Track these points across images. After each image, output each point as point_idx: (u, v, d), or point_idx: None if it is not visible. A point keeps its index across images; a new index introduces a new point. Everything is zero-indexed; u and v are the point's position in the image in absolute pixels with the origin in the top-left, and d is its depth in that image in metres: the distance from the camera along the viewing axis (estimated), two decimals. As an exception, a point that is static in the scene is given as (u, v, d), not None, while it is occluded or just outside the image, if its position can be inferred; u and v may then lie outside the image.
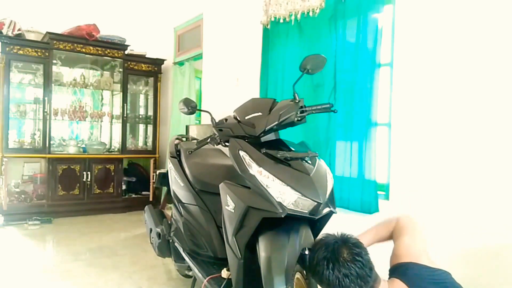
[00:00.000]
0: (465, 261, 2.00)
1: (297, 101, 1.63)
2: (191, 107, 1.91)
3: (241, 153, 1.58)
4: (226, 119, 1.79)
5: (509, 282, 1.85)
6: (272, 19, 3.07)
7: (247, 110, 1.71)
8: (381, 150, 2.44)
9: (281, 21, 3.00)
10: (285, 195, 1.43)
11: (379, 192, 2.43)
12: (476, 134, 1.97)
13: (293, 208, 1.43)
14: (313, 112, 1.67)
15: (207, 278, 1.86)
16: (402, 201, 2.31)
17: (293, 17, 2.89)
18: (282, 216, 1.40)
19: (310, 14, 2.75)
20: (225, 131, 1.74)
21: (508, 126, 1.87)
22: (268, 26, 3.13)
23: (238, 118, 1.71)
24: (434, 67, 2.16)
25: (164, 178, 2.62)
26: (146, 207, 2.64)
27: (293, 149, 1.61)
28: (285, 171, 1.47)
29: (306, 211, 1.44)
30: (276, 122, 1.58)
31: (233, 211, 1.56)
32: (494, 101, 1.92)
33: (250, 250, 1.57)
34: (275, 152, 1.53)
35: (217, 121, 1.83)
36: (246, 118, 1.66)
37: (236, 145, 1.63)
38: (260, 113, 1.64)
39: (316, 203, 1.43)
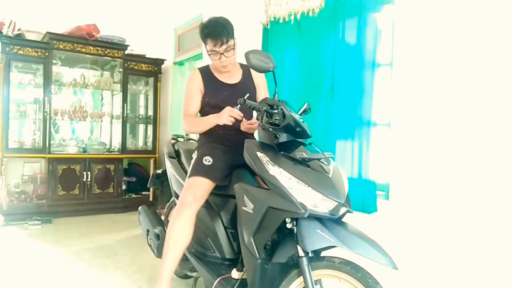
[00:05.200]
0: (464, 260, 2.00)
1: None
2: (271, 68, 1.61)
3: (259, 154, 1.59)
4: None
5: (507, 282, 1.85)
6: (272, 19, 3.07)
7: (292, 109, 1.68)
8: (381, 150, 2.45)
9: (281, 21, 3.00)
10: (306, 196, 1.44)
11: (379, 192, 2.43)
12: (476, 133, 1.98)
13: (314, 209, 1.44)
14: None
15: (218, 279, 1.86)
16: (401, 201, 2.31)
17: (292, 17, 2.89)
18: (305, 216, 1.42)
19: (310, 14, 2.76)
20: (289, 117, 1.57)
21: (508, 126, 1.87)
22: (268, 26, 3.13)
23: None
24: (434, 67, 2.16)
25: (157, 179, 2.61)
26: (140, 208, 2.60)
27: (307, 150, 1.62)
28: (305, 172, 1.49)
29: (327, 211, 1.46)
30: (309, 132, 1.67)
31: (251, 211, 1.58)
32: (493, 100, 1.92)
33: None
34: (293, 153, 1.54)
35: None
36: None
37: (252, 146, 1.63)
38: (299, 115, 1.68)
39: (337, 203, 1.45)
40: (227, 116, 1.79)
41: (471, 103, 2.00)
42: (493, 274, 1.90)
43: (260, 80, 2.19)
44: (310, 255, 1.49)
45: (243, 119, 1.85)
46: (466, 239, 2.00)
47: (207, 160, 1.96)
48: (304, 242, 1.43)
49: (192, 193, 1.90)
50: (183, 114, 2.12)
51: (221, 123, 1.82)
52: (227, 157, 1.98)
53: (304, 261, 1.47)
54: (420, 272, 2.17)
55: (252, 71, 2.13)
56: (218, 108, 1.97)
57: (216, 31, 1.90)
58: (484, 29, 1.95)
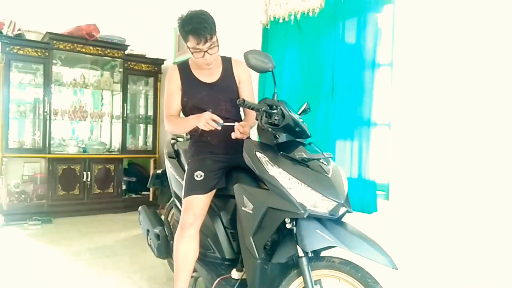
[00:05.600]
0: (464, 260, 2.00)
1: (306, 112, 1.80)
2: (270, 68, 1.61)
3: (258, 154, 1.59)
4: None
5: (507, 282, 1.85)
6: (272, 19, 3.07)
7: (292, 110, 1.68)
8: (381, 150, 2.45)
9: (281, 21, 3.00)
10: (306, 196, 1.44)
11: (379, 192, 2.43)
12: (476, 133, 1.98)
13: (313, 209, 1.44)
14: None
15: (218, 279, 1.87)
16: (401, 201, 2.31)
17: (292, 17, 2.89)
18: (304, 216, 1.43)
19: (310, 14, 2.76)
20: (289, 117, 1.57)
21: (508, 125, 1.87)
22: (268, 26, 3.13)
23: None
24: (434, 67, 2.16)
25: (157, 179, 2.61)
26: (140, 207, 2.59)
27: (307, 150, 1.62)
28: (304, 172, 1.49)
29: (326, 211, 1.46)
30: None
31: (251, 212, 1.58)
32: (493, 100, 1.92)
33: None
34: (292, 154, 1.54)
35: None
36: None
37: (252, 146, 1.63)
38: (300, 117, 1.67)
39: (336, 203, 1.45)
40: (204, 121, 1.73)
41: (471, 103, 2.00)
42: (493, 274, 1.90)
43: (243, 76, 2.06)
44: (309, 255, 1.49)
45: (236, 124, 1.76)
46: (466, 239, 2.00)
47: (199, 175, 1.91)
48: (304, 242, 1.43)
49: (192, 213, 1.88)
50: (165, 114, 2.04)
51: (199, 126, 1.77)
52: (218, 165, 1.96)
53: (304, 261, 1.47)
54: (420, 272, 2.17)
55: (234, 65, 2.05)
56: (196, 109, 1.94)
57: (199, 27, 1.75)
58: (484, 29, 1.95)
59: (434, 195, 2.14)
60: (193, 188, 1.91)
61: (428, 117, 2.17)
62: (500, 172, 1.89)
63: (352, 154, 2.50)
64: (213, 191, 1.94)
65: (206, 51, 1.82)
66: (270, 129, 1.60)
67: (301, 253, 1.47)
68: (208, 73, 2.00)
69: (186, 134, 2.53)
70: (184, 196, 1.94)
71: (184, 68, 2.03)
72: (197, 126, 1.82)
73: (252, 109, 1.65)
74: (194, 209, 1.88)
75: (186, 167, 2.25)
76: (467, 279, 1.98)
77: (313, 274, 1.49)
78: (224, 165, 1.97)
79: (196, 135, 2.02)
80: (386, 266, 1.35)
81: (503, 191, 1.87)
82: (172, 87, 2.02)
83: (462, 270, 2.01)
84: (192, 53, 1.86)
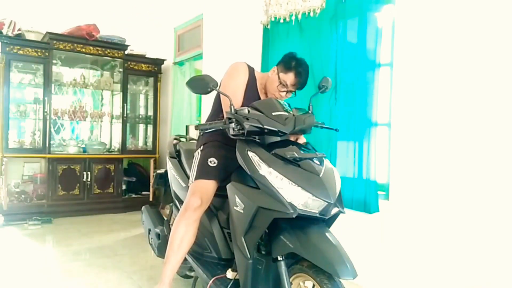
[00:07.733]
0: (464, 260, 2.00)
1: (310, 112, 1.77)
2: (212, 87, 1.66)
3: (250, 153, 1.57)
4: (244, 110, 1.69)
5: (507, 282, 1.86)
6: (272, 19, 3.07)
7: (271, 107, 1.66)
8: (381, 150, 2.45)
9: (282, 21, 3.00)
10: (296, 196, 1.44)
11: (379, 192, 2.43)
12: (476, 133, 1.98)
13: (304, 209, 1.44)
14: (319, 127, 1.79)
15: (212, 279, 1.86)
16: (402, 201, 2.31)
17: (293, 17, 2.89)
18: (293, 216, 1.41)
19: (311, 14, 2.76)
20: (250, 121, 1.58)
21: (507, 125, 1.87)
22: (268, 26, 3.13)
23: (263, 111, 1.64)
24: (434, 67, 2.16)
25: (161, 179, 2.61)
26: (143, 207, 2.61)
27: (300, 150, 1.61)
28: (295, 172, 1.48)
29: (317, 211, 1.45)
30: (302, 126, 1.63)
31: (242, 211, 1.57)
32: (493, 100, 1.92)
33: (256, 250, 1.61)
34: (283, 153, 1.53)
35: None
36: (273, 114, 1.63)
37: (244, 146, 1.62)
38: (286, 113, 1.64)
39: (326, 203, 1.45)
40: None
41: (471, 103, 2.00)
42: (493, 274, 1.90)
43: None
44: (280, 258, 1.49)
45: None
46: (466, 239, 2.00)
47: (212, 162, 1.90)
48: (272, 247, 1.47)
49: (199, 196, 1.86)
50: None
51: None
52: (231, 157, 1.91)
53: (282, 265, 1.48)
54: (420, 272, 2.17)
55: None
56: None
57: (306, 76, 1.91)
58: (484, 29, 1.95)
59: (434, 195, 2.14)
60: (205, 172, 1.90)
61: (428, 117, 2.18)
62: (500, 172, 1.89)
63: (354, 154, 2.50)
64: (217, 185, 1.92)
65: (287, 92, 1.95)
66: (243, 138, 1.61)
67: (279, 257, 1.48)
68: (261, 95, 2.06)
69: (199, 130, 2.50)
70: (195, 179, 1.92)
71: (252, 75, 2.04)
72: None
73: (212, 131, 1.72)
74: (202, 193, 1.87)
75: (185, 166, 2.25)
76: (467, 279, 1.99)
77: (294, 276, 1.51)
78: (235, 161, 1.95)
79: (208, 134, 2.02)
80: (341, 277, 1.31)
81: (503, 191, 1.87)
82: (240, 81, 1.99)
83: (462, 270, 2.01)
84: (278, 84, 1.94)
